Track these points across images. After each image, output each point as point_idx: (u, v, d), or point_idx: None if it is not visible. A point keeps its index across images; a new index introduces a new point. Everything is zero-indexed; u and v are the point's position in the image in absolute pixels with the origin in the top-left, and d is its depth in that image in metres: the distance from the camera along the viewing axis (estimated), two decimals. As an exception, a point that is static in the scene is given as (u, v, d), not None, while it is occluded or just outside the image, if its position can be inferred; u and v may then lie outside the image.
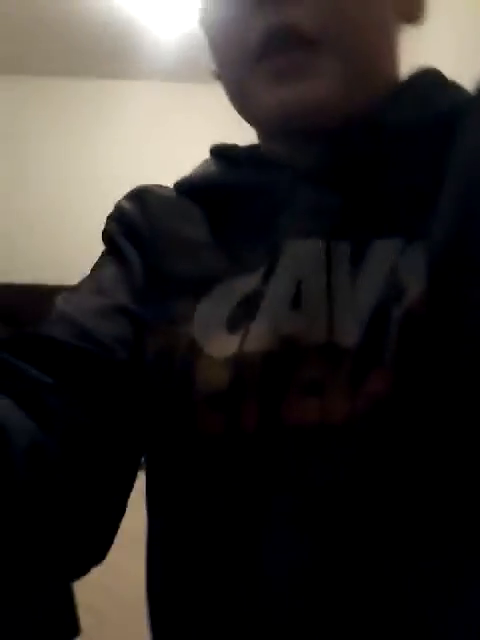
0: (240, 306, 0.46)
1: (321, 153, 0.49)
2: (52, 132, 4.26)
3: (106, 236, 0.58)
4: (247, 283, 0.47)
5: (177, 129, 4.28)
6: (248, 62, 0.48)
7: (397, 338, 0.41)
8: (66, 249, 4.09)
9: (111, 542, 0.47)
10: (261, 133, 0.57)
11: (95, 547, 0.47)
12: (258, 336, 0.44)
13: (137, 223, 0.56)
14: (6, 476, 0.37)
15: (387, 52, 0.53)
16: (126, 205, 0.59)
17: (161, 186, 0.60)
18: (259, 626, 0.42)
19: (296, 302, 0.44)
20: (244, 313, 0.46)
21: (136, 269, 0.53)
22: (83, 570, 0.47)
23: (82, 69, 4.13)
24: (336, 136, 0.48)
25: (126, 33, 3.62)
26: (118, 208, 0.59)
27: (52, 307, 0.51)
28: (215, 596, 0.45)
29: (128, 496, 0.49)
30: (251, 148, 0.57)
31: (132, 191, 0.60)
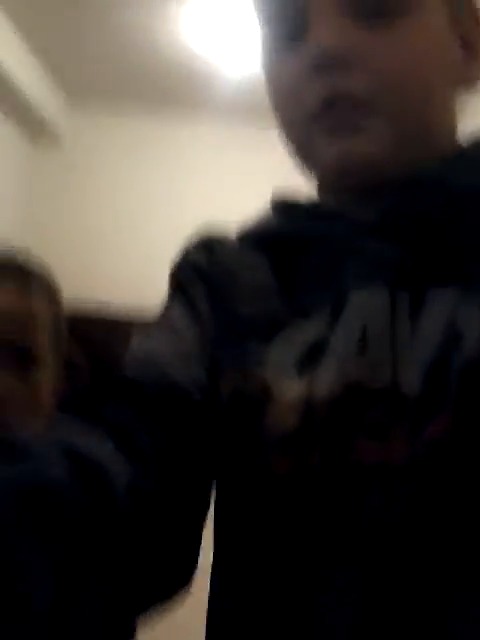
0: (306, 351, 0.49)
1: (382, 208, 0.52)
2: (115, 168, 4.39)
3: (174, 281, 0.61)
4: (312, 329, 0.50)
5: (236, 171, 4.37)
6: (305, 122, 0.53)
7: (459, 385, 0.43)
8: (126, 279, 4.19)
9: (195, 568, 0.50)
10: (320, 186, 0.60)
11: (182, 575, 0.49)
12: (326, 381, 0.46)
13: (204, 269, 0.59)
14: (111, 516, 0.39)
15: (441, 115, 0.55)
16: (193, 251, 0.61)
17: (224, 233, 0.63)
18: None
19: (361, 349, 0.46)
20: (311, 358, 0.48)
21: (205, 314, 0.56)
22: (172, 598, 0.49)
23: (146, 106, 4.26)
24: (396, 192, 0.51)
25: (191, 72, 3.72)
26: (185, 254, 0.62)
27: (130, 349, 0.54)
28: (273, 635, 0.46)
29: (203, 526, 0.51)
30: (310, 200, 0.60)
31: (198, 237, 0.63)
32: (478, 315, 0.44)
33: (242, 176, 4.32)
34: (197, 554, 0.51)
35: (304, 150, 0.55)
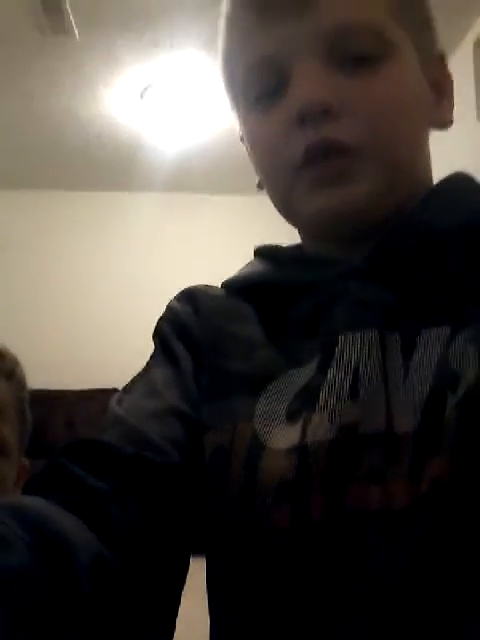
0: (297, 398, 0.48)
1: (367, 252, 0.52)
2: (61, 242, 4.42)
3: (158, 336, 0.59)
4: (302, 375, 0.49)
5: (177, 236, 4.45)
6: (289, 174, 0.52)
7: (456, 423, 0.42)
8: (75, 353, 4.15)
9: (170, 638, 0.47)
10: (305, 236, 0.60)
11: None
12: (319, 426, 0.45)
13: (189, 324, 0.58)
14: (73, 592, 0.37)
15: (420, 157, 0.56)
16: (178, 306, 0.60)
17: (209, 286, 0.62)
18: None
19: (354, 392, 0.46)
20: (302, 404, 0.47)
21: (188, 370, 0.55)
22: None
23: (88, 183, 4.32)
24: (380, 237, 0.51)
25: (129, 148, 3.80)
26: (170, 309, 0.60)
27: (109, 407, 0.53)
28: None
29: (181, 593, 0.49)
30: (294, 248, 0.60)
31: (183, 292, 0.62)
32: (473, 352, 0.44)
33: (182, 239, 4.41)
34: (172, 624, 0.48)
35: (289, 203, 0.55)
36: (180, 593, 0.49)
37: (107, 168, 4.06)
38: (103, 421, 0.51)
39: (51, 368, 3.89)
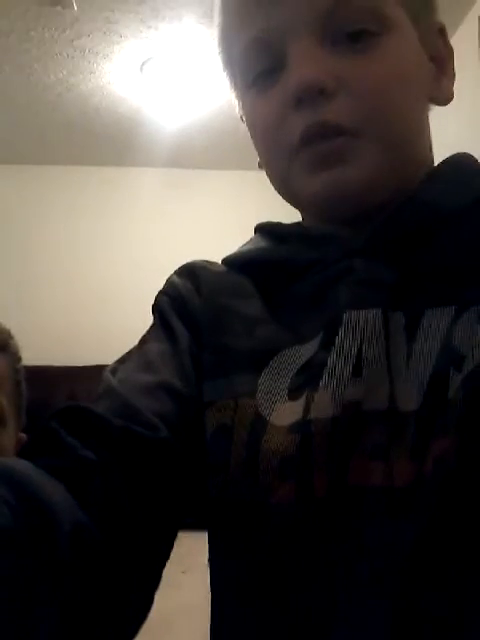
0: (299, 374, 0.48)
1: (370, 231, 0.51)
2: (61, 217, 4.39)
3: (157, 310, 0.59)
4: (304, 352, 0.49)
5: (177, 211, 4.42)
6: (288, 156, 0.51)
7: (461, 403, 0.42)
8: (76, 330, 4.16)
9: (145, 618, 0.47)
10: (306, 215, 0.60)
11: (128, 624, 0.46)
12: (322, 403, 0.45)
13: (189, 300, 0.57)
14: (52, 559, 0.37)
15: (421, 135, 0.55)
16: (178, 281, 0.59)
17: (210, 262, 0.62)
18: None
19: (357, 370, 0.46)
20: (304, 380, 0.47)
21: (184, 347, 0.54)
22: None
23: (90, 157, 4.27)
24: (384, 216, 0.51)
25: (128, 122, 3.76)
26: (170, 283, 0.60)
27: (102, 377, 0.53)
28: None
29: (162, 570, 0.49)
30: (296, 225, 0.59)
31: (183, 266, 0.61)
32: (478, 332, 0.44)
33: (182, 214, 4.39)
34: (150, 600, 0.48)
35: (288, 184, 0.54)
36: (161, 568, 0.49)
37: (106, 142, 4.02)
38: (98, 389, 0.51)
39: (52, 345, 3.89)
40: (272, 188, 0.58)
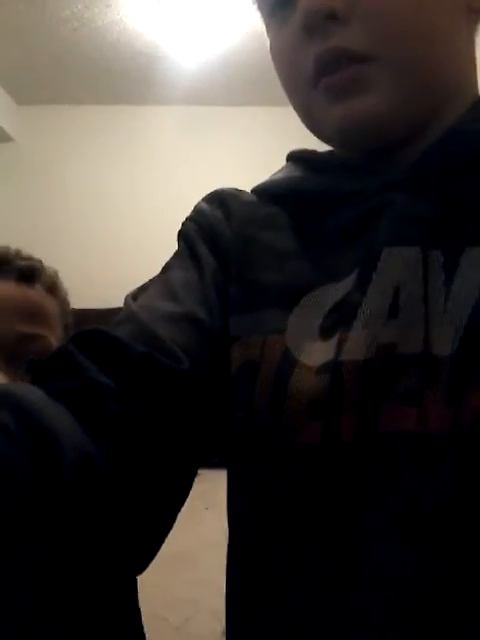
0: (332, 313, 0.46)
1: (404, 164, 0.49)
2: (84, 155, 4.36)
3: (182, 237, 0.56)
4: (338, 290, 0.47)
5: (197, 150, 4.36)
6: (306, 87, 0.49)
7: None
8: (100, 269, 4.17)
9: (154, 555, 0.46)
10: (336, 147, 0.56)
11: (136, 560, 0.46)
12: (356, 344, 0.43)
13: (218, 229, 0.55)
14: (53, 489, 0.36)
15: (454, 56, 0.50)
16: (207, 208, 0.57)
17: (240, 190, 0.59)
18: None
19: (393, 311, 0.44)
20: (337, 320, 0.45)
21: (210, 276, 0.52)
22: (122, 580, 0.46)
23: (104, 95, 4.20)
24: (423, 146, 0.48)
25: (146, 58, 3.68)
26: (198, 210, 0.57)
27: (124, 303, 0.51)
28: (306, 612, 0.44)
29: (179, 510, 0.47)
30: (333, 154, 0.56)
31: (213, 194, 0.58)
32: None
33: (204, 151, 4.32)
34: (162, 536, 0.46)
35: (310, 116, 0.51)
36: (173, 512, 0.47)
37: (123, 79, 3.94)
38: (117, 316, 0.49)
39: (73, 287, 3.90)
40: (296, 124, 0.55)
